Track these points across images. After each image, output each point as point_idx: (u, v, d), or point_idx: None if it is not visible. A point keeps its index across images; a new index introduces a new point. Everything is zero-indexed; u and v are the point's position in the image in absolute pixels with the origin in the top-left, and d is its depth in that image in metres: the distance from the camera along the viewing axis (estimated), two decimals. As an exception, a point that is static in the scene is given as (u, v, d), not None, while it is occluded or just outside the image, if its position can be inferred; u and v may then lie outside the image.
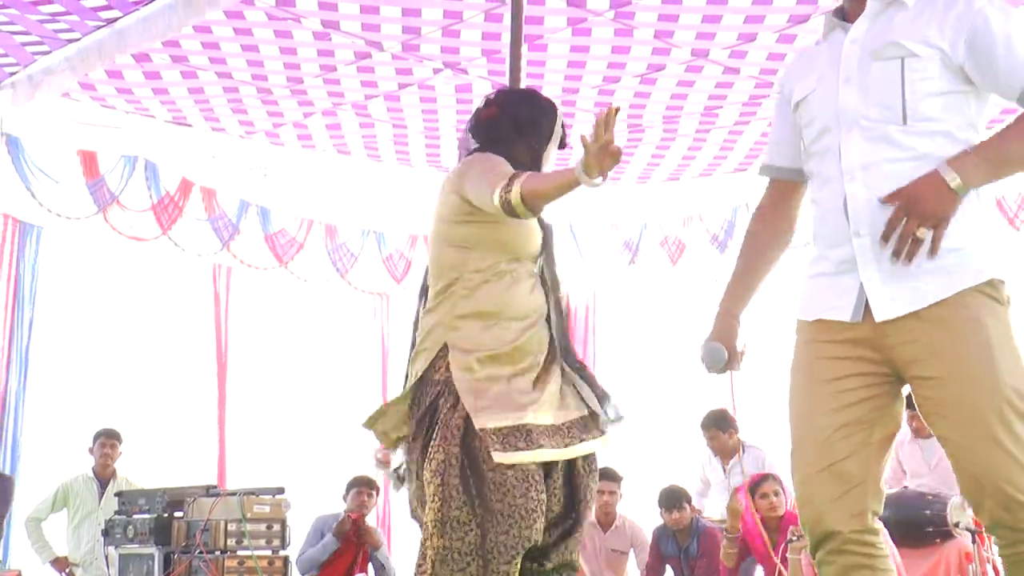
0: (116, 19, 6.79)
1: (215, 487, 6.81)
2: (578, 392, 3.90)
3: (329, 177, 9.44)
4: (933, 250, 2.64)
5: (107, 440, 8.22)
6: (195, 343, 9.37)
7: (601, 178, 3.39)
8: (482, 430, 3.65)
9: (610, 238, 10.71)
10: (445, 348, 3.79)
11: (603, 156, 3.31)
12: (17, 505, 8.17)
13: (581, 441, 3.80)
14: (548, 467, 3.78)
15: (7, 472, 8.14)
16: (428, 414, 3.79)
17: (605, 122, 3.29)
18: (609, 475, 8.22)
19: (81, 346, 8.87)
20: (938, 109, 2.71)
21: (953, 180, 2.65)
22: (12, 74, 7.76)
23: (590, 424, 3.87)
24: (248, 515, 6.18)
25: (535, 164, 3.86)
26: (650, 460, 10.46)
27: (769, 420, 8.83)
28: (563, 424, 3.80)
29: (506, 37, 5.83)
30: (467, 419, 3.70)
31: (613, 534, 8.22)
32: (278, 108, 8.32)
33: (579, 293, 11.07)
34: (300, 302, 9.90)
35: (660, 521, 7.94)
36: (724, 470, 8.44)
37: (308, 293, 9.91)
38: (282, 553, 6.35)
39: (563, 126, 4.03)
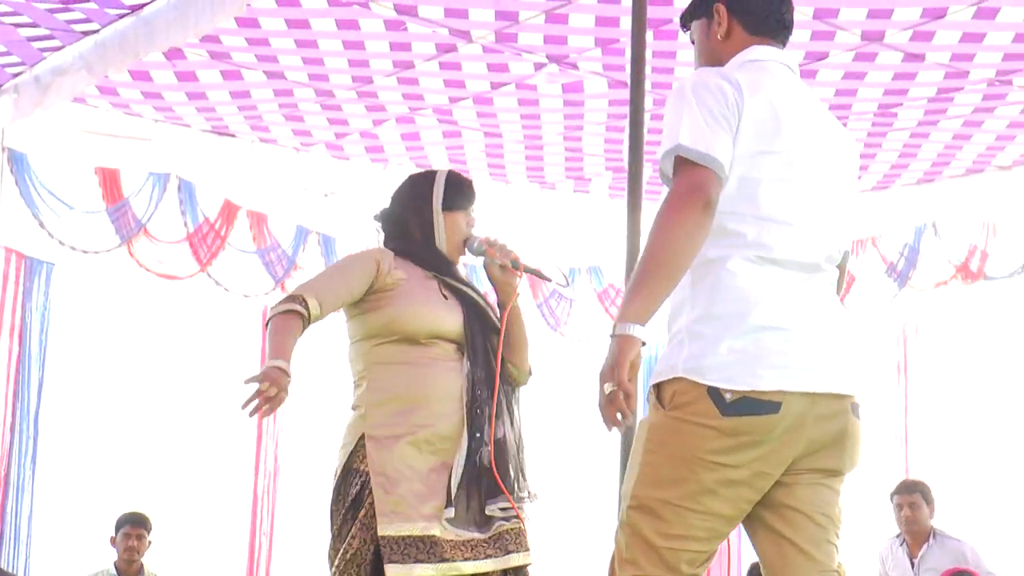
0: (142, 6, 6.84)
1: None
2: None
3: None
4: None
5: (133, 529, 8.22)
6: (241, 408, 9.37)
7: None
8: (382, 537, 4.44)
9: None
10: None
11: None
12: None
13: (507, 553, 4.58)
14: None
15: (11, 569, 8.19)
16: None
17: None
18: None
19: (101, 412, 8.93)
20: None
21: None
22: (16, 75, 7.87)
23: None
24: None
25: (428, 233, 4.82)
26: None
27: (961, 507, 8.78)
28: (487, 537, 4.58)
29: (626, 22, 5.79)
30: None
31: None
32: (342, 114, 8.38)
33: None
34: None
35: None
36: (913, 563, 8.33)
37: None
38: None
39: (452, 182, 4.89)
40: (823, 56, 7.25)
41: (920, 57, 7.24)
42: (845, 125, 8.24)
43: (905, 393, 10.27)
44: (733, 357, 3.19)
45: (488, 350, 4.74)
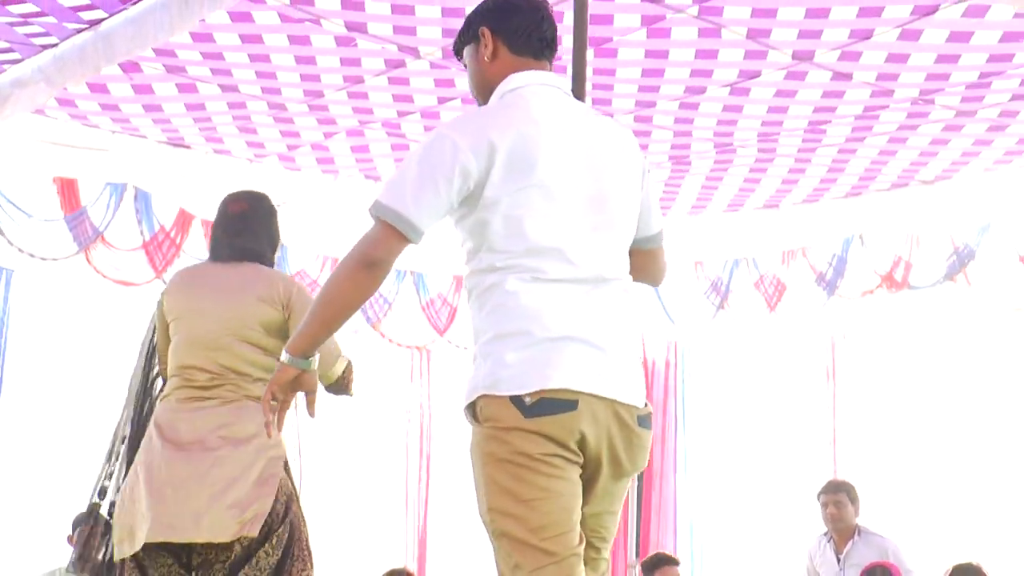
0: (100, 21, 6.79)
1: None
2: None
3: (355, 208, 9.41)
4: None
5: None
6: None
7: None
8: None
9: (694, 279, 10.63)
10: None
11: None
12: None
13: None
14: None
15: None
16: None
17: None
18: (665, 559, 8.23)
19: (59, 415, 8.84)
20: None
21: None
22: (-24, 88, 7.82)
23: None
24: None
25: (274, 252, 5.40)
26: (744, 545, 10.34)
27: (886, 505, 8.88)
28: None
29: (568, 41, 5.79)
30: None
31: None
32: (294, 127, 8.33)
33: (657, 346, 10.97)
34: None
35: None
36: (839, 559, 8.44)
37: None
38: None
39: None
40: (756, 74, 7.27)
41: (848, 76, 7.27)
42: (776, 141, 8.38)
43: (833, 397, 10.30)
44: (522, 367, 3.37)
45: None
